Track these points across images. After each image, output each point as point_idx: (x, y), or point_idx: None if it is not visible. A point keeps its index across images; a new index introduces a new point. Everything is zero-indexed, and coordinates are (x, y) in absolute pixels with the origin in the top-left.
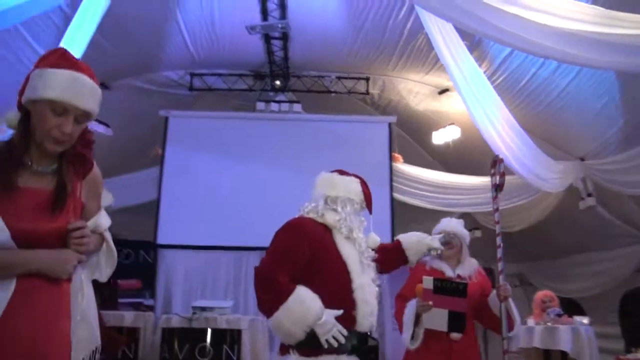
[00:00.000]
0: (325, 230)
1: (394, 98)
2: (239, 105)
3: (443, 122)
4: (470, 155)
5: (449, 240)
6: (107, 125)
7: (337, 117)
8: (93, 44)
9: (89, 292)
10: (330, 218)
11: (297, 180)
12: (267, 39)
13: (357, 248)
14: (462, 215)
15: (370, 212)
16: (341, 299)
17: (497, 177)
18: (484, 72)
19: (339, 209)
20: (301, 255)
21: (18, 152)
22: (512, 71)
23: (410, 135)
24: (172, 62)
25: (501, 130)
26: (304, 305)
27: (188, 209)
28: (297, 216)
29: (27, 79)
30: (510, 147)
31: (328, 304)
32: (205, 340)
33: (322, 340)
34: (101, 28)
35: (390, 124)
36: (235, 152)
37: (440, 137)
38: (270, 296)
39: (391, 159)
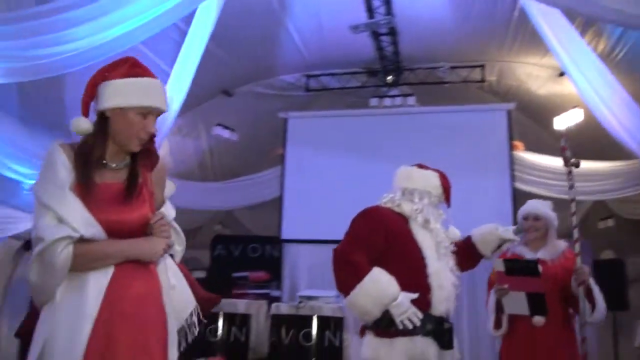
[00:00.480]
0: (402, 219)
1: (514, 84)
2: (355, 103)
3: (566, 105)
4: (598, 139)
5: (528, 227)
6: (232, 130)
7: (451, 108)
8: (210, 55)
9: (172, 264)
10: (406, 208)
11: None
12: (376, 35)
13: (433, 238)
14: (594, 204)
15: (449, 206)
16: (416, 283)
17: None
18: (600, 51)
19: (416, 199)
20: (377, 239)
21: (99, 153)
22: (632, 44)
23: (534, 121)
24: (287, 66)
25: (618, 112)
26: (380, 285)
27: (310, 205)
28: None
29: (91, 89)
30: (628, 129)
31: (403, 287)
32: (310, 327)
33: (397, 321)
34: (216, 39)
35: (509, 111)
36: (352, 149)
37: (562, 122)
38: (348, 275)
39: (511, 147)
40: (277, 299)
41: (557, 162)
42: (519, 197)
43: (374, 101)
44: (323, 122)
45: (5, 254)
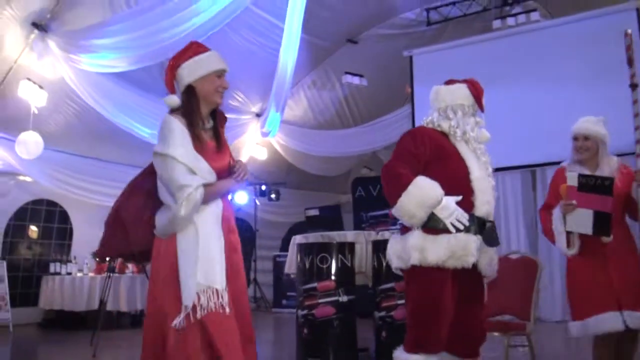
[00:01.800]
0: (444, 136)
1: None
2: (481, 28)
3: None
4: None
5: (580, 145)
6: (361, 76)
7: (576, 17)
8: (328, 7)
9: None
10: (445, 126)
11: (553, 90)
12: None
13: (470, 147)
14: None
15: (482, 111)
16: (460, 187)
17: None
18: None
19: (451, 115)
20: (421, 153)
21: (199, 117)
22: None
23: None
24: (405, 2)
25: None
26: (423, 189)
27: None
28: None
29: (171, 73)
30: None
31: (448, 192)
32: None
33: (447, 223)
34: None
35: (638, 9)
36: (481, 75)
37: None
38: (393, 186)
39: None
40: None
41: None
42: None
43: (496, 23)
44: (447, 53)
45: None
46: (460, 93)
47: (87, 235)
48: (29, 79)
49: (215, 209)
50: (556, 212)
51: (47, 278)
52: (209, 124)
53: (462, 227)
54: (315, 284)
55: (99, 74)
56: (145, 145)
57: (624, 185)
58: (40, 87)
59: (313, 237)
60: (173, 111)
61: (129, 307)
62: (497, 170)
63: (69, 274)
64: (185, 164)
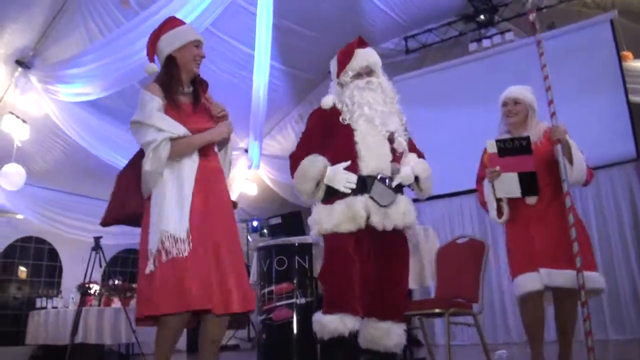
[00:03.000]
0: (336, 112)
1: None
2: (459, 52)
3: None
4: None
5: (510, 109)
6: None
7: (550, 33)
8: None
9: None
10: (335, 102)
11: None
12: None
13: (360, 114)
14: None
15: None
16: (347, 153)
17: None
18: None
19: (338, 91)
20: (316, 133)
21: (178, 83)
22: None
23: None
24: (383, 33)
25: None
26: (303, 166)
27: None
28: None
29: (152, 46)
30: None
31: (338, 161)
32: None
33: (341, 188)
34: (304, 23)
35: (612, 21)
36: (461, 97)
37: None
38: (292, 170)
39: (620, 59)
40: None
41: None
42: (636, 111)
43: (473, 46)
44: (427, 78)
45: None
46: (333, 67)
47: (77, 272)
48: (11, 113)
49: (190, 163)
50: (486, 182)
51: (34, 313)
52: (189, 89)
53: (353, 187)
54: (272, 287)
55: (82, 109)
56: None
57: (549, 147)
58: (24, 121)
59: (274, 242)
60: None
61: (113, 340)
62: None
63: (55, 307)
64: (152, 124)
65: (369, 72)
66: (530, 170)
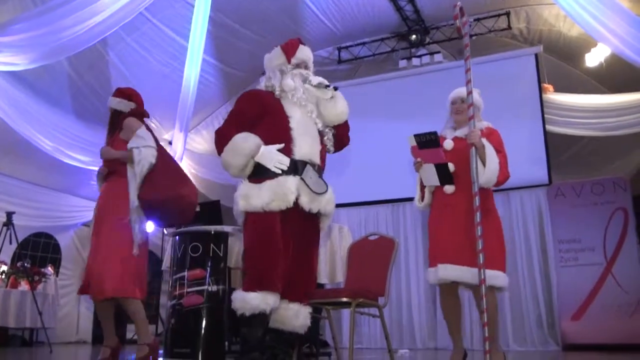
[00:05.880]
0: (272, 95)
1: (544, 28)
2: (390, 67)
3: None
4: (631, 71)
5: (458, 107)
6: None
7: (478, 60)
8: (239, 37)
9: None
10: (270, 85)
11: None
12: None
13: (294, 100)
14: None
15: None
16: (281, 136)
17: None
18: None
19: (272, 76)
20: (248, 112)
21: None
22: None
23: (563, 60)
24: (318, 40)
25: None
26: (236, 141)
27: (349, 170)
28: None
29: None
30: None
31: (271, 142)
32: None
33: (271, 167)
34: (243, 22)
35: (537, 55)
36: (393, 110)
37: (594, 58)
38: (219, 145)
39: (541, 90)
40: None
41: (590, 99)
42: (552, 140)
43: (402, 63)
44: (360, 89)
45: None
46: (276, 56)
47: None
48: None
49: None
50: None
51: None
52: None
53: (284, 168)
54: (184, 273)
55: (6, 80)
56: (47, 164)
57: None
58: None
59: (190, 228)
60: None
61: (16, 323)
62: (394, 201)
63: None
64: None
65: (306, 67)
66: (443, 162)
